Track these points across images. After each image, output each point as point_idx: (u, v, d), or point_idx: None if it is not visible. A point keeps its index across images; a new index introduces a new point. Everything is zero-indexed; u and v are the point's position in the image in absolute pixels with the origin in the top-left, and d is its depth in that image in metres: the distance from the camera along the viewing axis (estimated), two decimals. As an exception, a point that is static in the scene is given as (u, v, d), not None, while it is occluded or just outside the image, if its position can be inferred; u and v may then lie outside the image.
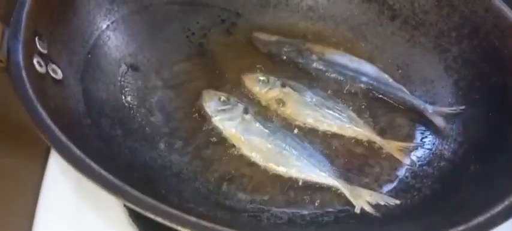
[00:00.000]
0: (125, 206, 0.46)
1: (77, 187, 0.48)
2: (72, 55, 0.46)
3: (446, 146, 0.49)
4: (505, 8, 0.51)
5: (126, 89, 0.50)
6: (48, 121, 0.34)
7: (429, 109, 0.51)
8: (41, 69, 0.41)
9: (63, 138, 0.33)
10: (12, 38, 0.39)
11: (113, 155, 0.43)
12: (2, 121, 0.59)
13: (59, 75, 0.43)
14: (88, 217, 0.47)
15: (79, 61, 0.47)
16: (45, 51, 0.42)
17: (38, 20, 0.43)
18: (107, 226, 0.46)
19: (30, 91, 0.36)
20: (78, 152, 0.33)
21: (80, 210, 0.47)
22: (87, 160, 0.32)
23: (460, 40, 0.54)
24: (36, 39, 0.42)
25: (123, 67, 0.51)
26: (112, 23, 0.52)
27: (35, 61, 0.40)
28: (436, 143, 0.49)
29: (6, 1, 0.43)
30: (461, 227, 0.35)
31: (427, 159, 0.48)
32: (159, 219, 0.31)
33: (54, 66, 0.43)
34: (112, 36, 0.51)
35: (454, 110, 0.51)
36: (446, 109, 0.51)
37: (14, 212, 0.49)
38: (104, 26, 0.51)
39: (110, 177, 0.32)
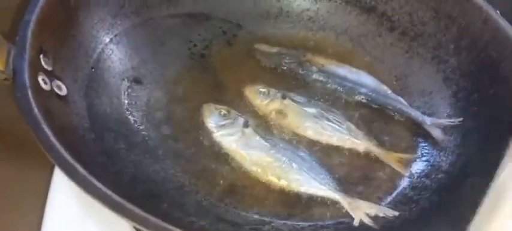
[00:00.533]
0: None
1: (82, 196, 0.49)
2: (76, 71, 0.47)
3: (444, 158, 0.49)
4: (502, 20, 0.52)
5: (129, 102, 0.50)
6: (54, 141, 0.35)
7: (427, 121, 0.52)
8: (46, 87, 0.41)
9: (69, 158, 0.34)
10: (18, 57, 0.40)
11: (117, 169, 0.43)
12: (8, 131, 0.60)
13: (64, 91, 0.44)
14: (93, 225, 0.47)
15: (83, 76, 0.47)
16: (50, 68, 0.43)
17: (43, 38, 0.43)
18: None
19: (36, 111, 0.37)
20: (83, 171, 0.34)
21: (85, 218, 0.48)
22: (92, 179, 0.33)
23: (458, 51, 0.54)
24: (41, 56, 0.43)
25: (126, 81, 0.52)
26: (115, 36, 0.53)
27: (40, 79, 0.41)
28: (434, 155, 0.50)
29: (12, 20, 0.43)
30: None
31: (426, 171, 0.49)
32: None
33: (58, 82, 0.43)
34: (115, 49, 0.52)
35: (452, 122, 0.51)
36: (445, 121, 0.52)
37: (21, 221, 0.50)
38: (107, 40, 0.52)
39: (115, 196, 0.32)
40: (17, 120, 0.59)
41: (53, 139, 0.35)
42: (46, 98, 0.40)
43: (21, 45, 0.41)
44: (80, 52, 0.48)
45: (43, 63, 0.43)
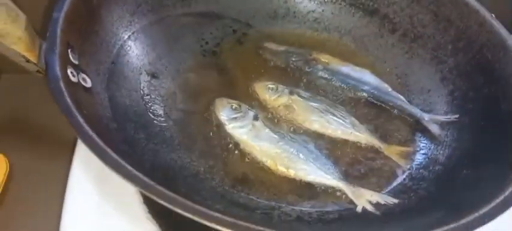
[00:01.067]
0: (144, 203, 0.51)
1: (99, 186, 0.52)
2: (99, 65, 0.50)
3: (441, 152, 0.52)
4: (497, 24, 0.55)
5: (147, 95, 0.54)
6: (87, 128, 0.38)
7: (425, 117, 0.55)
8: (74, 79, 0.44)
9: (101, 143, 0.37)
10: (49, 51, 0.43)
11: (138, 157, 0.47)
12: (27, 124, 0.63)
13: (88, 83, 0.47)
14: (109, 213, 0.51)
15: (105, 70, 0.50)
16: (76, 62, 0.46)
17: (70, 34, 0.47)
18: (127, 222, 0.50)
19: (69, 100, 0.40)
20: (115, 156, 0.37)
21: (102, 207, 0.51)
22: (123, 162, 0.37)
23: (456, 53, 0.58)
24: (69, 51, 0.46)
25: (144, 75, 0.55)
26: (133, 33, 0.56)
27: (69, 71, 0.44)
28: (432, 148, 0.53)
29: (42, 18, 0.47)
30: (452, 225, 0.39)
31: (423, 163, 0.52)
32: (189, 216, 0.35)
33: (84, 75, 0.46)
34: (133, 45, 0.55)
35: (449, 118, 0.54)
36: (442, 117, 0.55)
37: (41, 211, 0.53)
38: (126, 37, 0.55)
39: (151, 182, 0.36)
40: (33, 113, 0.63)
41: (85, 126, 0.38)
42: (75, 89, 0.43)
43: (51, 40, 0.44)
44: (102, 48, 0.51)
45: (71, 57, 0.46)
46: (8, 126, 0.63)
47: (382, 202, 0.47)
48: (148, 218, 0.50)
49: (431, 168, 0.51)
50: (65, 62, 0.44)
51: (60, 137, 0.62)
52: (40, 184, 0.56)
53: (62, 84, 0.41)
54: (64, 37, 0.45)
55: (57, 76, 0.42)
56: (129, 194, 0.51)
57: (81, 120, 0.39)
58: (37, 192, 0.56)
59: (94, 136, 0.38)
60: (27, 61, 0.43)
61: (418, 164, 0.52)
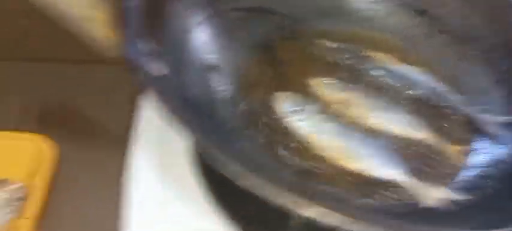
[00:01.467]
0: (210, 192, 0.51)
1: (162, 174, 0.53)
2: (168, 55, 0.50)
3: (506, 151, 0.52)
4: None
5: (209, 87, 0.54)
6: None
7: (482, 118, 0.55)
8: (152, 68, 0.45)
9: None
10: (127, 41, 0.44)
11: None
12: (79, 113, 0.64)
13: (163, 72, 0.47)
14: (173, 202, 0.51)
15: (173, 59, 0.51)
16: (151, 51, 0.47)
17: (143, 23, 0.47)
18: (191, 211, 0.51)
19: (155, 89, 0.41)
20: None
21: (164, 196, 0.52)
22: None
23: (509, 54, 0.58)
24: (144, 41, 0.46)
25: (205, 66, 0.55)
26: (197, 24, 0.56)
27: (146, 60, 0.45)
28: (493, 147, 0.53)
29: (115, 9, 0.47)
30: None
31: (486, 161, 0.52)
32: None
33: (158, 64, 0.47)
34: (195, 37, 0.56)
35: (506, 120, 0.54)
36: (499, 118, 0.55)
37: (95, 200, 0.54)
38: (188, 28, 0.55)
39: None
40: (86, 103, 0.63)
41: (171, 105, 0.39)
42: (154, 78, 0.44)
43: (128, 31, 0.45)
44: (170, 38, 0.52)
45: (146, 46, 0.46)
46: (60, 115, 0.64)
47: (448, 198, 0.47)
48: (215, 208, 0.50)
49: (495, 166, 0.51)
50: (142, 52, 0.45)
51: (113, 127, 0.62)
52: (92, 174, 0.57)
53: (143, 73, 0.42)
54: (138, 28, 0.46)
55: (138, 65, 0.42)
56: (193, 182, 0.51)
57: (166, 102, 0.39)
58: (90, 182, 0.56)
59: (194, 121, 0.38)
60: (108, 48, 0.43)
61: (480, 163, 0.52)
